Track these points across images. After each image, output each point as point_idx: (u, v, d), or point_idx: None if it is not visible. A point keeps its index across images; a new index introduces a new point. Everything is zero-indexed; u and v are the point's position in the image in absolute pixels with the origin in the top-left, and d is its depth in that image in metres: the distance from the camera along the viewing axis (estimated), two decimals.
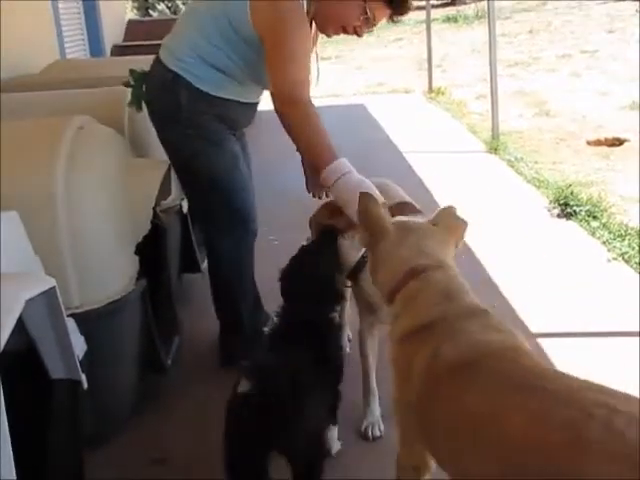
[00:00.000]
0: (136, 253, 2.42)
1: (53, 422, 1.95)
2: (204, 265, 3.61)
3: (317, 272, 2.19)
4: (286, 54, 2.37)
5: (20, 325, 1.62)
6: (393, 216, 1.93)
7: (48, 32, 6.23)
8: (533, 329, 3.13)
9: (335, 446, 2.36)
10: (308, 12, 2.46)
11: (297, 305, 2.17)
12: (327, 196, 2.55)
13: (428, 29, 9.68)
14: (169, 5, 21.33)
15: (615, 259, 3.77)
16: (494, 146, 6.15)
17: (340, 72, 12.18)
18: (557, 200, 4.58)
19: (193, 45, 2.52)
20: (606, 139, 6.25)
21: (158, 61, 2.63)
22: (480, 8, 17.45)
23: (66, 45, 6.67)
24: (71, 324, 2.00)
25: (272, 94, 2.53)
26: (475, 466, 1.44)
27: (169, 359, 2.72)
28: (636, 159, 5.34)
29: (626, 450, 1.20)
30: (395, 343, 1.75)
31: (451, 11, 18.31)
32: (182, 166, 2.66)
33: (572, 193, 4.57)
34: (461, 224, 1.90)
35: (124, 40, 8.43)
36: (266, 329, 2.50)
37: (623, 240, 3.92)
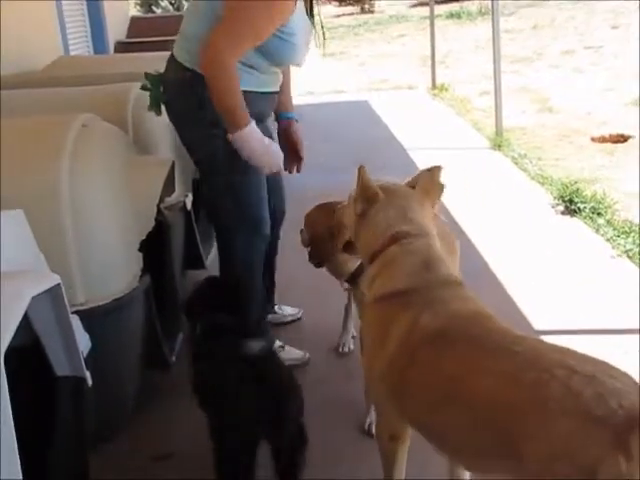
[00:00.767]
0: (140, 250, 2.42)
1: (58, 419, 1.96)
2: (208, 261, 3.63)
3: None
4: (238, 15, 2.38)
5: (25, 322, 1.63)
6: None
7: (51, 28, 6.23)
8: (537, 326, 3.13)
9: None
10: None
11: None
12: None
13: (432, 25, 9.66)
14: (172, 1, 21.31)
15: (619, 256, 3.77)
16: (498, 142, 6.15)
17: (343, 69, 12.18)
18: (561, 197, 4.57)
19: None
20: (610, 135, 6.23)
21: (173, 61, 2.63)
22: (483, 4, 17.40)
23: (69, 42, 6.66)
24: (75, 321, 2.00)
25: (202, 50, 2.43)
26: (448, 425, 1.57)
27: (173, 356, 2.72)
28: None
29: (582, 408, 1.31)
30: (370, 304, 1.81)
31: (454, 7, 18.27)
32: (204, 165, 2.67)
33: (577, 190, 4.56)
34: (438, 188, 1.97)
35: (127, 37, 8.42)
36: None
37: (627, 237, 3.91)
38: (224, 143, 2.47)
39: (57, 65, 5.01)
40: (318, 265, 2.61)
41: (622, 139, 6.10)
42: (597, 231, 4.09)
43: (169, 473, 2.41)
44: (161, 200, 2.62)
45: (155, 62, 4.70)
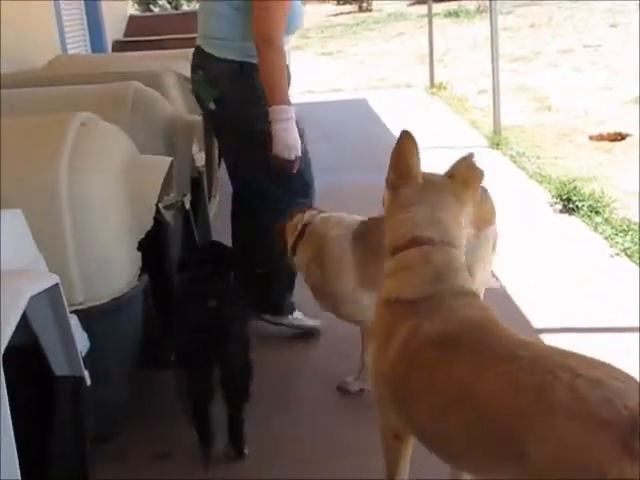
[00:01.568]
0: (139, 249, 2.42)
1: (56, 418, 1.95)
2: None
3: None
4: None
5: (24, 321, 1.62)
6: None
7: (49, 27, 6.23)
8: (536, 325, 3.13)
9: None
10: None
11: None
12: None
13: (430, 24, 9.66)
14: (170, 0, 21.30)
15: (618, 254, 3.77)
16: (496, 141, 6.15)
17: (342, 67, 12.18)
18: (559, 195, 4.58)
19: (241, 30, 2.85)
20: (608, 134, 6.24)
21: (215, 59, 2.95)
22: (481, 3, 17.42)
23: (67, 40, 6.65)
24: (74, 321, 1.99)
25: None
26: (452, 429, 1.56)
27: (171, 355, 2.71)
28: (638, 154, 5.33)
29: (588, 411, 1.31)
30: (379, 305, 1.81)
31: (452, 6, 18.27)
32: (258, 141, 2.87)
33: (575, 188, 4.57)
34: (477, 174, 1.89)
35: (125, 35, 8.43)
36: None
37: (625, 235, 3.91)
38: None
39: (55, 64, 5.00)
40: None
41: (620, 137, 6.11)
42: (595, 229, 4.09)
43: (168, 472, 2.41)
44: (159, 199, 2.61)
45: (153, 61, 4.72)
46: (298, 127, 2.89)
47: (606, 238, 3.96)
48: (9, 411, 1.48)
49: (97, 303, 2.23)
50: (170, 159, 2.64)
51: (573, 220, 4.30)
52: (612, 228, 4.03)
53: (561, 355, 1.48)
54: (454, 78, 9.59)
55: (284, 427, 2.62)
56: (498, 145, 6.07)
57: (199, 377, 2.32)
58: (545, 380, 1.38)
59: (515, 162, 5.62)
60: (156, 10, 20.51)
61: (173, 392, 2.71)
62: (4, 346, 1.46)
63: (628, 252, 3.75)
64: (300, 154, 2.88)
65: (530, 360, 1.46)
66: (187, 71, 4.12)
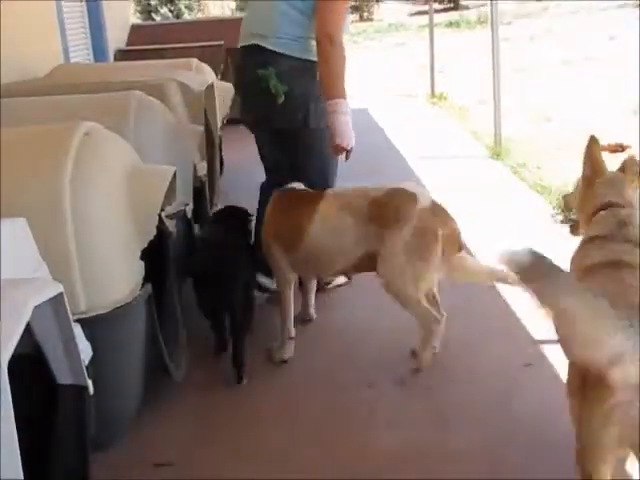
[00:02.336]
0: (142, 259, 2.42)
1: (59, 427, 1.96)
2: None
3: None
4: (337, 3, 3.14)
5: (27, 330, 1.63)
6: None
7: (52, 36, 6.25)
8: (537, 336, 3.14)
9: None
10: None
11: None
12: None
13: (431, 34, 9.71)
14: (171, 9, 21.36)
15: None
16: (497, 152, 6.16)
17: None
18: (560, 206, 4.58)
19: (302, 28, 3.21)
20: (609, 145, 6.24)
21: (284, 56, 3.21)
22: (482, 13, 17.50)
23: (70, 49, 6.68)
24: (77, 329, 2.00)
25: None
26: None
27: (173, 363, 2.72)
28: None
29: None
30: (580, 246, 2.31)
31: (453, 16, 18.36)
32: (317, 132, 3.30)
33: None
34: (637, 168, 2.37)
35: (127, 44, 8.45)
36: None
37: None
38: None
39: (58, 73, 5.03)
40: None
41: (620, 149, 6.11)
42: None
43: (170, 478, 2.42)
44: (162, 208, 2.62)
45: (155, 70, 4.74)
46: None
47: None
48: (13, 420, 1.49)
49: (100, 312, 2.24)
50: (173, 168, 2.65)
51: None
52: None
53: None
54: (455, 88, 9.62)
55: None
56: (499, 156, 6.09)
57: (214, 292, 2.91)
58: None
59: (516, 173, 5.63)
60: (158, 19, 20.59)
61: (174, 400, 2.73)
62: (8, 356, 1.47)
63: None
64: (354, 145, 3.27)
65: None
66: (189, 80, 4.18)
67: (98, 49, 7.64)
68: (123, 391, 2.46)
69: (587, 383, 1.82)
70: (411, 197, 2.87)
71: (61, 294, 1.81)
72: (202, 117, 4.06)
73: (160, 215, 2.55)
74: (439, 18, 15.83)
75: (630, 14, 13.62)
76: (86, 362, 2.04)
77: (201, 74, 4.80)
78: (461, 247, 2.93)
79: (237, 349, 2.90)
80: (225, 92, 5.10)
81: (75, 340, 1.91)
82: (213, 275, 2.89)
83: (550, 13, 18.39)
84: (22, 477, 1.46)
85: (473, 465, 2.37)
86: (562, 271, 1.90)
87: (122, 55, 7.87)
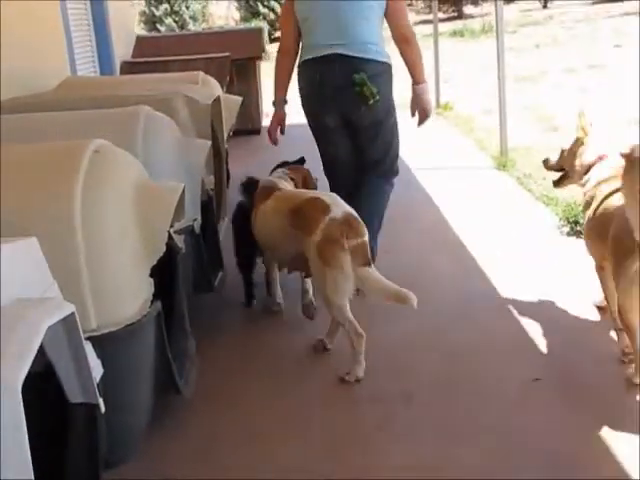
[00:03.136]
0: (151, 276, 2.43)
1: (71, 446, 1.96)
2: (216, 284, 3.65)
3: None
4: (403, 5, 3.95)
5: (39, 350, 1.63)
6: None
7: (59, 48, 6.27)
8: (543, 349, 3.14)
9: None
10: None
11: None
12: None
13: (435, 43, 9.73)
14: (176, 19, 21.47)
15: None
16: (502, 162, 6.16)
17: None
18: (567, 218, 4.59)
19: (375, 36, 3.80)
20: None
21: (372, 61, 3.76)
22: (486, 22, 17.53)
23: (77, 61, 6.71)
24: (88, 347, 2.01)
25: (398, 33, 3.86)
26: None
27: (183, 380, 2.72)
28: None
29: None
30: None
31: (458, 25, 18.38)
32: (393, 134, 4.09)
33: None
34: None
35: (133, 56, 8.48)
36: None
37: None
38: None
39: (65, 86, 5.04)
40: None
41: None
42: None
43: None
44: (171, 224, 2.63)
45: (162, 84, 4.76)
46: None
47: None
48: (27, 439, 1.50)
49: (111, 329, 2.24)
50: (182, 185, 2.66)
51: (581, 243, 4.28)
52: None
53: None
54: (460, 98, 9.63)
55: None
56: (504, 167, 6.09)
57: (246, 253, 3.76)
58: None
59: (522, 184, 5.63)
60: (162, 29, 20.69)
61: (184, 417, 2.74)
62: (23, 378, 1.48)
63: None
64: None
65: None
66: (196, 94, 4.18)
67: (104, 61, 7.66)
68: (133, 408, 2.46)
69: (617, 257, 2.75)
70: (324, 206, 3.08)
71: (73, 314, 1.82)
72: (209, 131, 4.07)
73: (169, 231, 2.56)
74: (443, 27, 15.83)
75: (635, 22, 13.61)
76: (97, 380, 2.04)
77: (207, 87, 4.81)
78: (368, 261, 3.01)
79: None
80: (231, 105, 5.11)
81: (87, 359, 1.92)
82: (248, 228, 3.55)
83: (555, 22, 18.41)
84: None
85: None
86: None
87: (128, 67, 7.89)
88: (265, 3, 22.00)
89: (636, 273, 2.58)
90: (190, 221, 3.13)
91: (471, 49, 14.98)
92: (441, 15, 18.38)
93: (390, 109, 3.97)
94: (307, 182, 3.83)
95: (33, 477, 1.49)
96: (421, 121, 4.07)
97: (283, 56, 4.02)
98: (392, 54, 3.94)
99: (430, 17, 10.72)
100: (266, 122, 9.05)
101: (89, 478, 2.01)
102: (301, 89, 3.97)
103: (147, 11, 21.62)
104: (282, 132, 4.19)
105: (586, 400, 2.74)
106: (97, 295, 2.24)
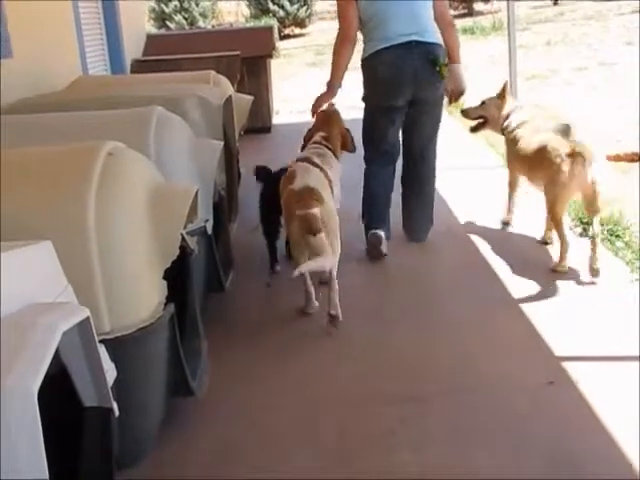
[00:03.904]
0: (165, 278, 2.44)
1: (85, 450, 1.97)
2: (227, 284, 3.65)
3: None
4: None
5: (54, 354, 1.64)
6: None
7: (71, 47, 6.29)
8: (558, 352, 3.12)
9: None
10: None
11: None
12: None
13: None
14: (186, 16, 21.47)
15: (638, 280, 3.75)
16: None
17: (357, 84, 12.20)
18: (579, 218, 4.56)
19: (433, 24, 4.34)
20: (625, 154, 6.21)
21: (436, 45, 4.29)
22: (497, 19, 17.46)
23: (88, 60, 6.72)
24: (102, 351, 2.01)
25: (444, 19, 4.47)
26: None
27: (195, 382, 2.73)
28: None
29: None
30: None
31: (468, 22, 18.32)
32: (441, 109, 4.62)
33: None
34: None
35: (143, 54, 8.49)
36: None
37: None
38: None
39: (77, 85, 5.07)
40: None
41: (637, 158, 6.08)
42: (616, 254, 4.07)
43: None
44: (184, 226, 2.63)
45: (174, 83, 4.76)
46: None
47: (627, 263, 3.94)
48: (43, 445, 1.51)
49: (124, 332, 2.25)
50: (195, 187, 2.66)
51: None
52: (633, 253, 4.01)
53: None
54: (470, 95, 9.57)
55: None
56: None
57: (271, 225, 4.16)
58: None
59: None
60: (172, 26, 20.70)
61: (196, 419, 2.74)
62: (39, 383, 1.48)
63: None
64: None
65: None
66: (208, 94, 4.19)
67: (115, 59, 7.67)
68: (146, 410, 2.47)
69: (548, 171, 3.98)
70: (291, 178, 3.61)
71: (88, 318, 1.82)
72: (221, 131, 4.08)
73: (182, 233, 2.56)
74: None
75: None
76: (110, 383, 2.05)
77: (219, 87, 4.82)
78: (314, 230, 3.32)
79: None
80: (242, 104, 5.12)
81: (101, 363, 1.92)
82: (275, 200, 3.79)
83: (566, 19, 18.33)
84: None
85: None
86: None
87: (138, 65, 7.90)
88: (275, 0, 21.98)
89: (564, 180, 3.88)
90: (202, 222, 3.13)
91: (482, 46, 14.92)
92: (451, 12, 18.29)
93: (444, 89, 4.52)
94: (346, 142, 4.32)
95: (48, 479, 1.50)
96: (456, 98, 4.67)
97: (346, 45, 4.39)
98: None
99: None
100: (276, 120, 9.12)
101: None
102: (379, 73, 4.33)
103: (157, 8, 21.63)
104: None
105: (601, 403, 2.72)
106: (111, 298, 2.25)
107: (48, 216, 2.24)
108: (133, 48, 8.19)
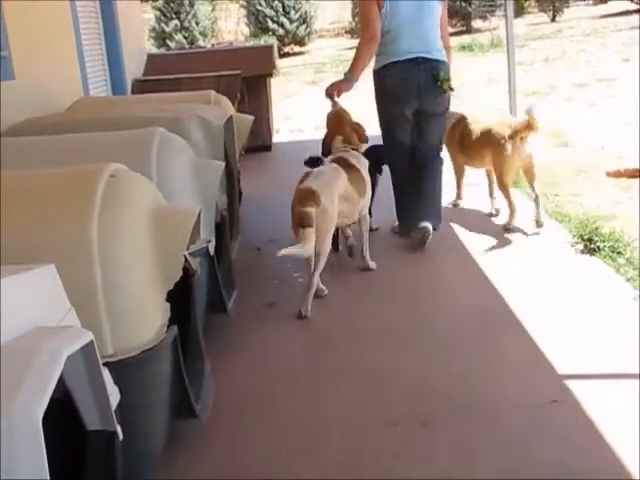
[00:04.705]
0: (168, 300, 2.44)
1: (89, 474, 1.96)
2: (230, 305, 3.65)
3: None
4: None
5: (58, 378, 1.64)
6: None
7: (72, 68, 6.32)
8: (560, 370, 3.12)
9: None
10: None
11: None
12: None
13: None
14: (186, 35, 21.61)
15: None
16: (514, 179, 6.11)
17: (357, 101, 12.24)
18: (580, 235, 4.56)
19: (439, 43, 4.87)
20: (626, 170, 6.22)
21: (443, 62, 4.83)
22: (495, 36, 17.55)
23: (89, 80, 6.75)
24: (105, 374, 2.01)
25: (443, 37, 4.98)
26: None
27: (199, 404, 2.72)
28: None
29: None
30: None
31: (466, 39, 18.40)
32: (445, 120, 5.12)
33: (596, 229, 4.55)
34: None
35: (144, 74, 8.52)
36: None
37: None
38: None
39: (78, 106, 5.08)
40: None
41: (638, 174, 6.09)
42: (617, 271, 4.07)
43: None
44: (187, 247, 2.63)
45: (175, 104, 4.78)
46: None
47: (629, 280, 3.94)
48: (47, 468, 1.50)
49: (128, 355, 2.24)
50: (198, 209, 2.67)
51: (595, 261, 4.28)
52: (635, 269, 4.01)
53: None
54: (469, 113, 9.60)
55: None
56: (516, 183, 6.04)
57: None
58: None
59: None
60: (172, 45, 20.81)
61: (199, 441, 2.73)
62: (44, 408, 1.48)
63: None
64: None
65: None
66: (209, 114, 4.21)
67: (116, 79, 7.70)
68: (149, 432, 2.46)
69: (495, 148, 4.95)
70: (302, 179, 4.13)
71: (92, 342, 1.82)
72: (222, 152, 4.09)
73: (185, 254, 2.56)
74: (451, 41, 15.82)
75: None
76: (114, 406, 2.04)
77: (220, 107, 4.83)
78: (305, 224, 3.84)
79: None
80: (243, 124, 5.13)
81: (105, 387, 1.92)
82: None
83: (564, 35, 18.43)
84: None
85: None
86: None
87: (139, 85, 7.92)
88: (275, 19, 22.10)
89: (508, 156, 4.88)
90: (205, 243, 3.13)
91: (480, 63, 14.99)
92: (450, 29, 18.41)
93: (450, 101, 5.02)
94: (361, 135, 4.70)
95: None
96: None
97: (371, 42, 4.76)
98: None
99: None
100: (276, 138, 9.15)
101: None
102: (387, 85, 4.82)
103: (157, 27, 21.77)
104: (339, 95, 4.94)
105: (604, 421, 2.72)
106: (114, 320, 2.25)
107: (51, 238, 2.25)
108: (134, 67, 8.23)
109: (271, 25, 22.09)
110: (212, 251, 3.21)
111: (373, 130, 5.13)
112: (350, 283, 4.38)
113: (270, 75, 8.83)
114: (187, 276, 2.70)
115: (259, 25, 22.43)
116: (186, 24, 21.67)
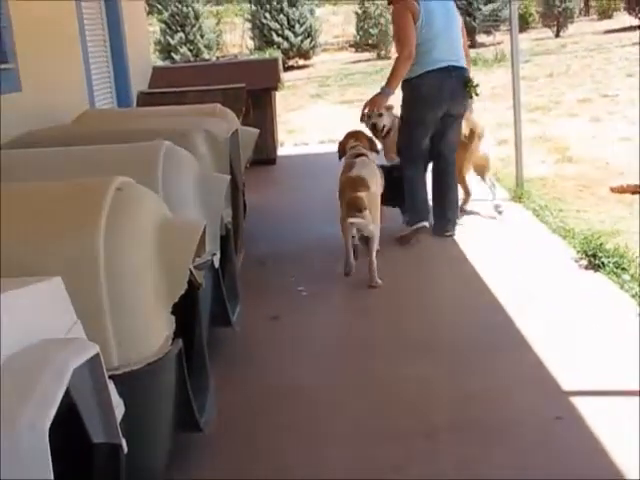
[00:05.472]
0: (173, 313, 2.44)
1: None
2: (234, 318, 3.65)
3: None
4: None
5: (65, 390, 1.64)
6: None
7: (78, 81, 6.35)
8: (564, 386, 3.11)
9: None
10: None
11: None
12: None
13: None
14: (191, 48, 21.69)
15: None
16: (518, 194, 6.14)
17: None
18: (585, 251, 4.56)
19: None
20: (629, 186, 6.23)
21: (466, 69, 5.33)
22: (499, 51, 17.60)
23: (95, 93, 6.78)
24: (110, 386, 2.01)
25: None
26: None
27: (202, 417, 2.72)
28: None
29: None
30: None
31: (470, 54, 18.39)
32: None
33: (601, 245, 4.54)
34: None
35: (149, 87, 8.55)
36: None
37: None
38: None
39: (84, 119, 5.10)
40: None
41: (639, 190, 6.09)
42: (622, 287, 4.07)
43: None
44: (192, 260, 2.64)
45: (181, 117, 4.80)
46: None
47: (633, 296, 3.93)
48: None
49: (133, 368, 2.24)
50: (204, 222, 2.68)
51: (599, 277, 4.27)
52: (639, 286, 4.01)
53: None
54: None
55: None
56: (520, 199, 6.06)
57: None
58: None
59: (538, 216, 5.60)
60: (177, 58, 20.89)
61: (203, 454, 2.73)
62: (50, 421, 1.48)
63: None
64: None
65: None
66: (215, 128, 4.22)
67: (122, 92, 7.73)
68: (153, 445, 2.46)
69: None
70: (350, 167, 4.70)
71: (98, 355, 1.83)
72: (227, 165, 4.10)
73: (190, 268, 2.57)
74: None
75: None
76: (119, 419, 2.04)
77: (225, 120, 4.84)
78: (354, 212, 4.35)
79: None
80: (248, 137, 5.15)
81: (110, 399, 1.92)
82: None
83: (568, 50, 18.49)
84: None
85: None
86: None
87: (144, 97, 7.93)
88: (279, 32, 22.20)
89: (466, 150, 5.52)
90: (210, 255, 3.14)
91: (484, 78, 15.00)
92: None
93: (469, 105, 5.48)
94: (373, 145, 5.24)
95: None
96: None
97: (409, 60, 5.09)
98: None
99: None
100: (281, 151, 9.18)
101: None
102: (423, 92, 5.17)
103: (162, 40, 21.86)
104: (378, 110, 5.44)
105: (608, 438, 2.71)
106: (119, 333, 2.25)
107: (57, 251, 2.25)
108: (139, 80, 8.26)
109: (276, 38, 22.18)
110: (217, 264, 3.21)
111: None
112: (358, 298, 4.40)
113: (275, 88, 8.85)
114: (192, 289, 2.71)
115: (264, 38, 22.53)
116: (191, 37, 21.76)
